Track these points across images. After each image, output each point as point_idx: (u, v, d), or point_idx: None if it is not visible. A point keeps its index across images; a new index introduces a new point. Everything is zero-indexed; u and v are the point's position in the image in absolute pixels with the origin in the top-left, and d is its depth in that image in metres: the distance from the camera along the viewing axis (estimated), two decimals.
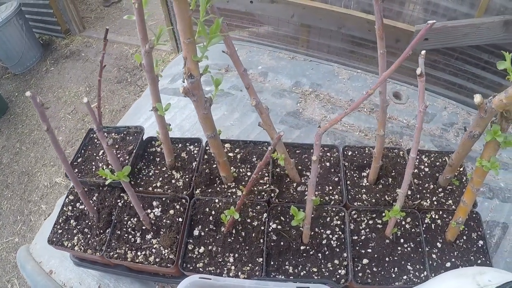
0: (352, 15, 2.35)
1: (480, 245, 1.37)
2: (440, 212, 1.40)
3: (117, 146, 1.56)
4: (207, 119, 1.17)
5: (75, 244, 1.34)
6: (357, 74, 1.98)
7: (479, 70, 2.42)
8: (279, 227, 1.27)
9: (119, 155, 1.51)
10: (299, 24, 2.48)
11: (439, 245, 1.33)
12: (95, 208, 1.42)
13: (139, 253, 1.28)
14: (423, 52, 1.06)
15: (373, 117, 1.75)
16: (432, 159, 1.52)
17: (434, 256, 1.30)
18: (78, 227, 1.39)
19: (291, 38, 2.59)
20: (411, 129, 1.76)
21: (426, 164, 1.49)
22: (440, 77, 2.52)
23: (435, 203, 1.40)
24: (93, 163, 1.53)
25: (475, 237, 1.39)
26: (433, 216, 1.38)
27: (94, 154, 1.56)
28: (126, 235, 1.34)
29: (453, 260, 1.31)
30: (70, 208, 1.46)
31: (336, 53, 2.52)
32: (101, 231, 1.38)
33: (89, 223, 1.40)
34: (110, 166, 1.49)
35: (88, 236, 1.37)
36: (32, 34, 4.39)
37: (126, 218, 1.39)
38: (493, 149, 1.12)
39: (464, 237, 1.38)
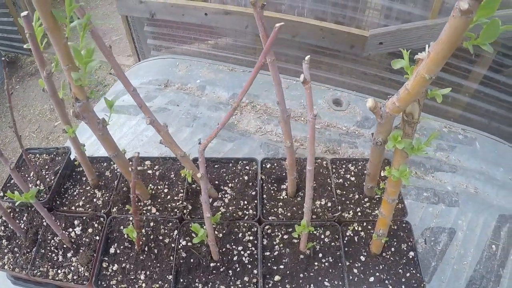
0: (306, 23, 2.36)
1: (410, 257, 1.33)
2: (364, 224, 1.37)
3: (46, 167, 1.59)
4: (105, 140, 1.18)
5: (5, 263, 1.40)
6: (296, 83, 1.97)
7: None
8: (189, 244, 1.26)
9: (46, 176, 1.54)
10: (255, 34, 2.49)
11: (362, 258, 1.30)
12: (24, 228, 1.46)
13: (59, 271, 1.33)
14: (307, 57, 1.04)
15: None
16: (360, 167, 1.49)
17: (355, 270, 1.28)
18: (9, 247, 1.46)
19: (248, 48, 2.60)
20: (350, 136, 1.74)
21: (352, 173, 1.47)
22: (399, 81, 2.47)
23: (359, 214, 1.37)
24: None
25: (404, 249, 1.36)
26: (356, 228, 1.35)
27: (26, 175, 1.59)
28: (49, 253, 1.39)
29: (377, 274, 1.28)
30: (2, 228, 1.50)
31: (294, 61, 2.51)
32: (28, 250, 1.45)
33: (19, 243, 1.46)
34: (37, 186, 1.52)
35: (17, 255, 1.43)
36: None
37: (50, 237, 1.43)
38: (402, 156, 1.08)
39: (392, 249, 1.35)
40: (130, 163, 1.13)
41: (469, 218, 1.69)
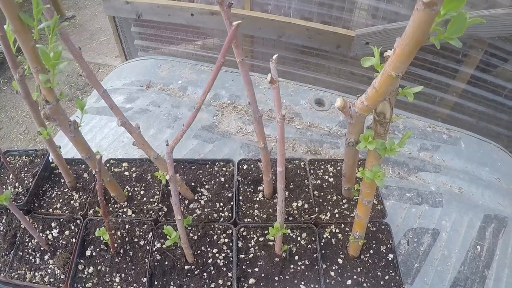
0: (292, 23, 2.36)
1: (389, 259, 1.32)
2: (342, 226, 1.36)
3: (26, 169, 1.58)
4: (77, 142, 1.18)
5: None
6: (278, 83, 1.95)
7: (425, 71, 2.37)
8: (164, 246, 1.25)
9: (25, 178, 1.54)
10: (242, 35, 2.48)
11: (340, 261, 1.30)
12: (2, 230, 1.48)
13: (36, 274, 1.33)
14: (274, 56, 1.03)
15: (292, 126, 1.73)
16: (339, 168, 1.48)
17: (332, 273, 1.27)
18: None
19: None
20: (332, 137, 1.74)
21: (331, 174, 1.46)
22: None
23: (337, 215, 1.37)
24: (4, 186, 1.55)
25: (383, 251, 1.35)
26: (334, 230, 1.35)
27: (6, 177, 1.58)
28: (27, 256, 1.39)
29: (355, 277, 1.27)
30: None
31: (281, 62, 2.50)
32: (6, 253, 1.45)
33: None
34: (16, 188, 1.52)
35: None
36: None
37: (27, 240, 1.43)
38: (375, 157, 1.05)
39: (371, 251, 1.35)
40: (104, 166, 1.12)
41: (453, 219, 1.68)
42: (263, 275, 1.22)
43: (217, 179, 1.40)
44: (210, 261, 1.24)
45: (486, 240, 1.65)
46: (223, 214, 1.32)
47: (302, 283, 1.22)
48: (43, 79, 1.03)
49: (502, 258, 1.59)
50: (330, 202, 1.39)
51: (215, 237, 1.28)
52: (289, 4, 2.35)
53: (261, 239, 1.29)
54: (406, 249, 1.58)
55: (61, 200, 1.47)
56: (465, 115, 2.54)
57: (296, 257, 1.27)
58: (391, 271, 1.29)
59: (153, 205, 1.34)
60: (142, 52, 2.89)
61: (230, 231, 1.29)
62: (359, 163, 1.49)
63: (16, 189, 1.53)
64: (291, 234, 1.30)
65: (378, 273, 1.28)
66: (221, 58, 0.85)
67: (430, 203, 1.70)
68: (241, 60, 1.08)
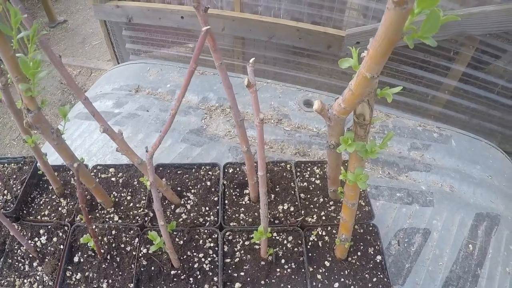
0: (282, 24, 2.36)
1: (377, 261, 1.32)
2: (329, 228, 1.37)
3: (14, 176, 1.59)
4: (61, 149, 1.19)
5: None
6: (266, 85, 1.97)
7: (417, 69, 2.36)
8: (150, 251, 1.25)
9: (13, 186, 1.55)
10: (233, 36, 2.48)
11: (327, 264, 1.30)
12: None
13: (25, 281, 1.34)
14: (251, 60, 1.02)
15: (280, 128, 1.73)
16: (325, 169, 1.47)
17: (319, 276, 1.27)
18: None
19: (226, 51, 2.59)
20: (321, 138, 1.74)
21: (318, 176, 1.46)
22: (381, 80, 2.46)
23: (323, 218, 1.37)
24: None
25: (371, 252, 1.35)
26: (320, 233, 1.35)
27: None
28: (16, 263, 1.40)
29: (342, 279, 1.27)
30: None
31: (272, 63, 2.51)
32: None
33: None
34: (4, 196, 1.52)
35: None
36: None
37: (16, 247, 1.43)
38: (357, 159, 1.05)
39: (359, 253, 1.35)
40: (91, 172, 1.12)
41: (444, 218, 1.68)
42: (249, 279, 1.22)
43: (203, 183, 1.41)
44: (196, 265, 1.25)
45: (479, 239, 1.64)
46: (209, 219, 1.33)
47: (289, 286, 1.22)
48: (23, 88, 1.03)
49: (495, 256, 1.58)
50: (317, 205, 1.39)
51: (201, 241, 1.29)
52: (279, 5, 2.35)
53: (246, 243, 1.29)
54: (397, 250, 1.58)
55: (49, 207, 1.48)
56: (457, 112, 2.54)
57: (283, 261, 1.27)
58: (379, 273, 1.29)
59: (139, 211, 1.35)
60: (133, 56, 2.90)
61: (216, 235, 1.29)
62: (346, 164, 1.49)
63: (5, 197, 1.53)
64: (277, 238, 1.30)
65: (366, 275, 1.28)
66: (192, 64, 0.85)
67: (420, 202, 1.70)
68: (219, 64, 1.08)
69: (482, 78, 2.37)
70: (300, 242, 1.30)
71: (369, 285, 1.25)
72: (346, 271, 1.28)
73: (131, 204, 1.39)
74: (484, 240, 1.64)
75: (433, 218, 1.67)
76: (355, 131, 1.00)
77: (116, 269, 1.28)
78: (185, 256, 1.27)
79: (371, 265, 1.31)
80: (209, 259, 1.26)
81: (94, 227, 1.35)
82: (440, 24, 0.65)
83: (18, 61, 1.01)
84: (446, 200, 1.72)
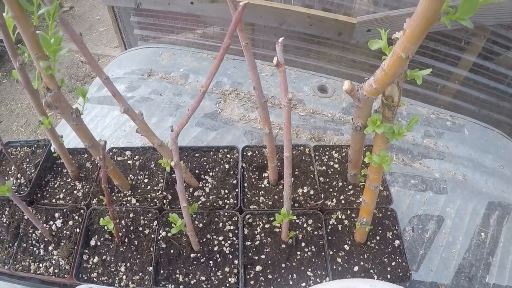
0: (293, 11, 2.32)
1: (396, 245, 1.31)
2: (348, 212, 1.35)
3: (27, 160, 1.56)
4: (80, 130, 1.16)
5: None
6: (284, 67, 1.93)
7: (427, 58, 2.34)
8: (169, 234, 1.24)
9: (27, 169, 1.52)
10: (243, 22, 2.44)
11: (346, 247, 1.28)
12: (5, 222, 1.45)
13: (41, 265, 1.32)
14: (280, 39, 1.00)
15: (295, 113, 1.71)
16: (344, 154, 1.46)
17: (339, 260, 1.25)
18: None
19: (236, 36, 2.55)
20: (335, 123, 1.72)
21: (336, 160, 1.45)
22: None
23: (343, 202, 1.35)
24: (6, 178, 1.52)
25: (390, 237, 1.34)
26: (340, 217, 1.33)
27: (7, 169, 1.56)
28: (31, 247, 1.37)
29: (362, 263, 1.26)
30: None
31: (283, 49, 2.46)
32: (10, 245, 1.42)
33: (1, 238, 1.44)
34: (18, 180, 1.49)
35: None
36: None
37: (31, 231, 1.41)
38: (383, 141, 1.03)
39: (378, 237, 1.33)
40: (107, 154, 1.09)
41: (457, 206, 1.67)
42: (269, 262, 1.21)
43: (222, 166, 1.38)
44: (216, 248, 1.23)
45: (490, 227, 1.64)
46: (228, 201, 1.30)
47: (309, 269, 1.21)
48: (44, 65, 1.00)
49: (506, 245, 1.58)
50: (336, 188, 1.37)
51: (220, 224, 1.26)
52: None
53: (267, 226, 1.27)
54: (411, 236, 1.57)
55: (64, 190, 1.45)
56: (467, 103, 2.52)
57: (303, 244, 1.26)
58: (397, 258, 1.28)
59: (157, 193, 1.32)
60: (141, 42, 2.85)
61: (236, 218, 1.27)
62: (364, 148, 1.48)
63: (19, 180, 1.50)
64: (297, 221, 1.29)
65: (385, 259, 1.27)
66: (227, 40, 0.83)
67: (434, 190, 1.69)
68: (245, 44, 1.05)
69: (493, 68, 2.35)
70: (320, 225, 1.29)
71: (388, 269, 1.24)
72: (365, 255, 1.27)
73: (149, 187, 1.36)
74: (496, 228, 1.64)
75: (446, 205, 1.66)
76: (382, 113, 0.98)
77: (134, 252, 1.25)
78: (204, 239, 1.24)
79: (389, 250, 1.29)
80: (229, 242, 1.24)
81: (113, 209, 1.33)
82: (477, 6, 0.65)
83: (39, 38, 0.99)
84: (459, 188, 1.72)
